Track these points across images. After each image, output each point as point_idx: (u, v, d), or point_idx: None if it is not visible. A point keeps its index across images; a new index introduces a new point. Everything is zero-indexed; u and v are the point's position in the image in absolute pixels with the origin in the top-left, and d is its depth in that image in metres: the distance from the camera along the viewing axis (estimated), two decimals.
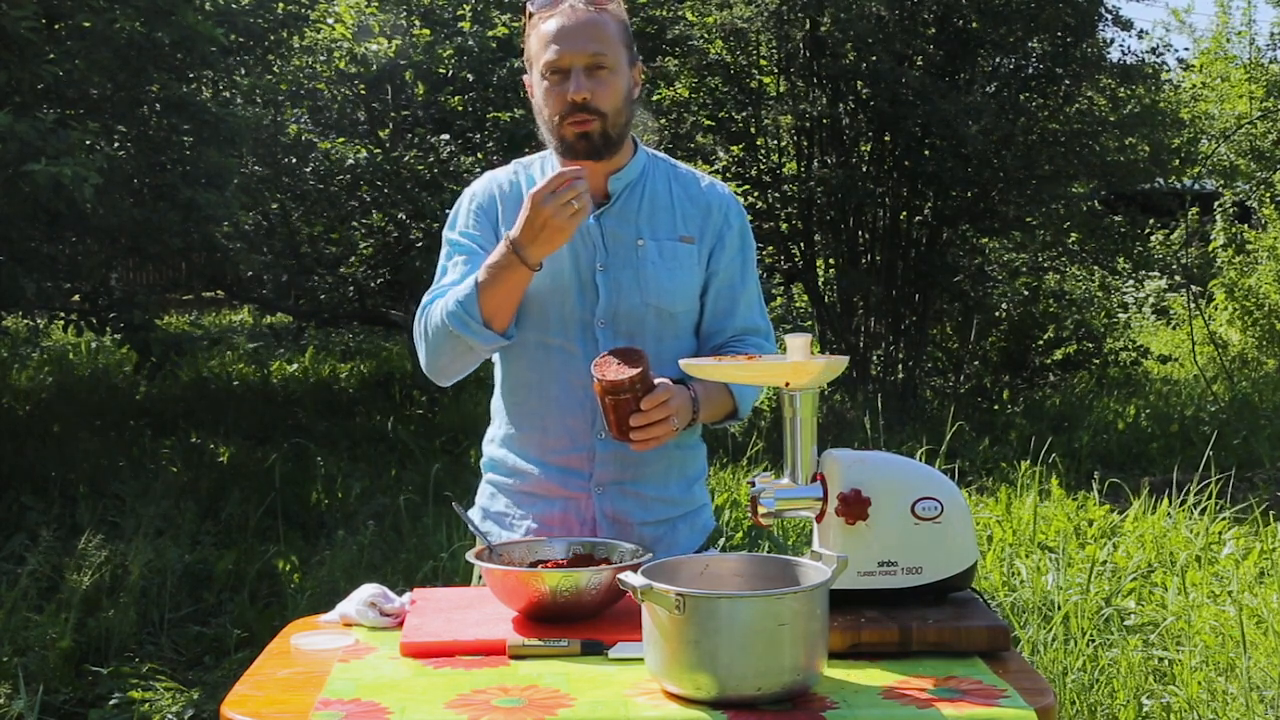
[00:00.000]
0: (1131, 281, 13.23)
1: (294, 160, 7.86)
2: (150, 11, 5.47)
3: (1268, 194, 13.34)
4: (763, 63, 8.94)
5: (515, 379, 2.18)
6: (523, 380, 2.16)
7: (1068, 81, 8.72)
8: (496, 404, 2.24)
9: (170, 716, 3.60)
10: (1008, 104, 8.45)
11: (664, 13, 8.95)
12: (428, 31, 7.93)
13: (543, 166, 2.19)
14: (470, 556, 1.91)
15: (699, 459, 2.25)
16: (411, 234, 7.95)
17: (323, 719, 1.48)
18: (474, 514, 2.29)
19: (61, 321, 7.11)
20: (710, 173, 8.42)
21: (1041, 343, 9.83)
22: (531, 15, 2.10)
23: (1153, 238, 12.14)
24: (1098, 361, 10.12)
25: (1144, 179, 10.13)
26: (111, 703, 3.69)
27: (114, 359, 9.62)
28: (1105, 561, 4.78)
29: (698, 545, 2.24)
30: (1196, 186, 14.21)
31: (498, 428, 2.25)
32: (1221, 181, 13.98)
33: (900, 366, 8.84)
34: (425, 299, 2.16)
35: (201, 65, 6.40)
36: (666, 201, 2.15)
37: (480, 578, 2.20)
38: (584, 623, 1.79)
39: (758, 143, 8.91)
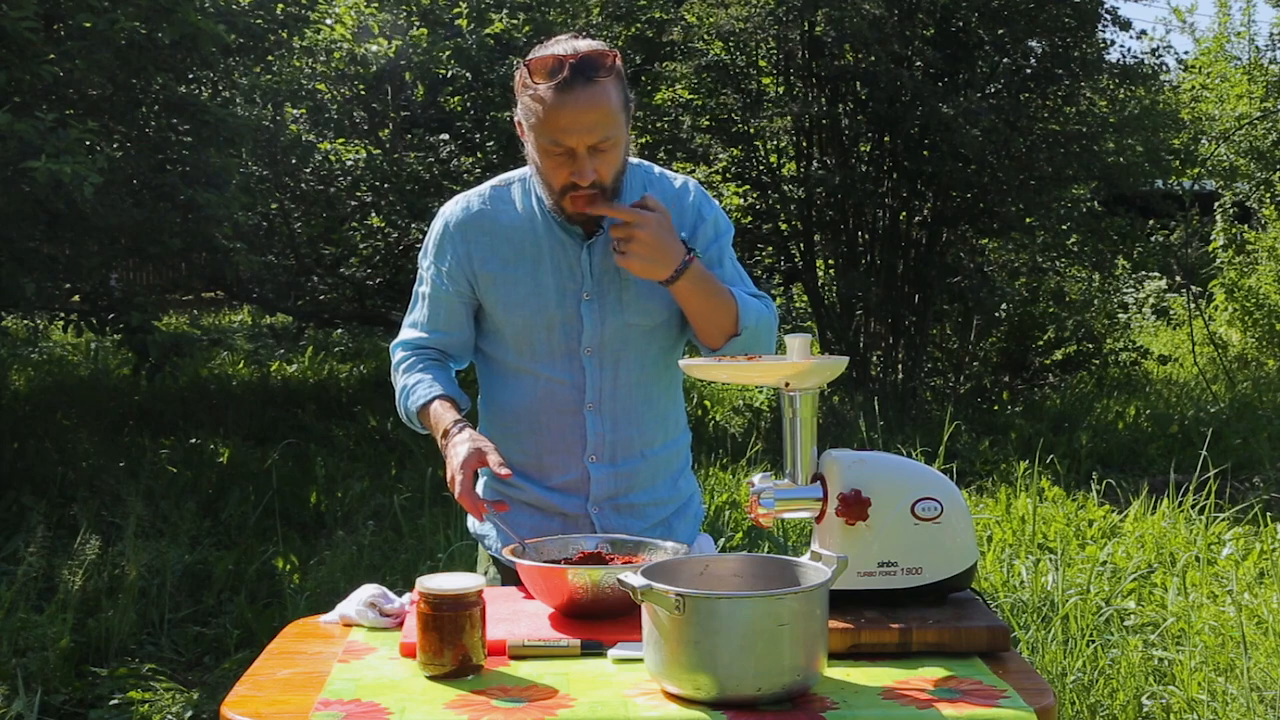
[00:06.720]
0: (1131, 282, 13.22)
1: (294, 161, 7.86)
2: (151, 10, 5.46)
3: (1268, 194, 13.33)
4: (762, 64, 8.94)
5: (504, 405, 2.19)
6: (512, 407, 2.17)
7: (1067, 82, 8.71)
8: (485, 426, 2.22)
9: (170, 717, 3.60)
10: (1007, 105, 8.44)
11: (662, 14, 8.95)
12: (425, 30, 7.94)
13: (523, 187, 2.16)
14: (505, 554, 1.92)
15: (683, 453, 2.28)
16: (411, 234, 7.95)
17: (323, 719, 1.48)
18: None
19: (61, 322, 7.10)
20: (710, 173, 8.45)
21: (1041, 343, 9.83)
22: (528, 71, 1.98)
23: (1152, 239, 12.13)
24: (1097, 362, 10.12)
25: (1144, 181, 10.13)
26: (111, 703, 3.69)
27: (113, 359, 9.62)
28: (1105, 562, 4.78)
29: (694, 534, 2.26)
30: (1196, 187, 14.21)
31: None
32: (1221, 182, 13.97)
33: (900, 367, 8.83)
34: (397, 338, 2.25)
35: (202, 65, 6.40)
36: None
37: (488, 574, 2.21)
38: (614, 620, 1.80)
39: (756, 143, 8.91)
